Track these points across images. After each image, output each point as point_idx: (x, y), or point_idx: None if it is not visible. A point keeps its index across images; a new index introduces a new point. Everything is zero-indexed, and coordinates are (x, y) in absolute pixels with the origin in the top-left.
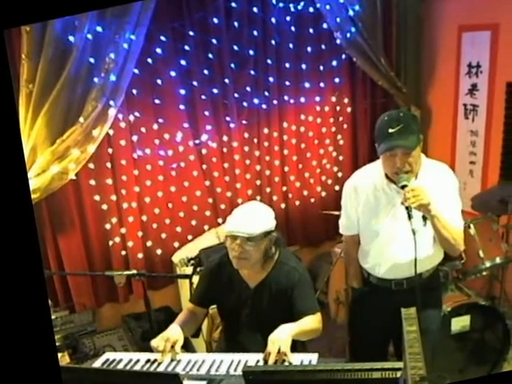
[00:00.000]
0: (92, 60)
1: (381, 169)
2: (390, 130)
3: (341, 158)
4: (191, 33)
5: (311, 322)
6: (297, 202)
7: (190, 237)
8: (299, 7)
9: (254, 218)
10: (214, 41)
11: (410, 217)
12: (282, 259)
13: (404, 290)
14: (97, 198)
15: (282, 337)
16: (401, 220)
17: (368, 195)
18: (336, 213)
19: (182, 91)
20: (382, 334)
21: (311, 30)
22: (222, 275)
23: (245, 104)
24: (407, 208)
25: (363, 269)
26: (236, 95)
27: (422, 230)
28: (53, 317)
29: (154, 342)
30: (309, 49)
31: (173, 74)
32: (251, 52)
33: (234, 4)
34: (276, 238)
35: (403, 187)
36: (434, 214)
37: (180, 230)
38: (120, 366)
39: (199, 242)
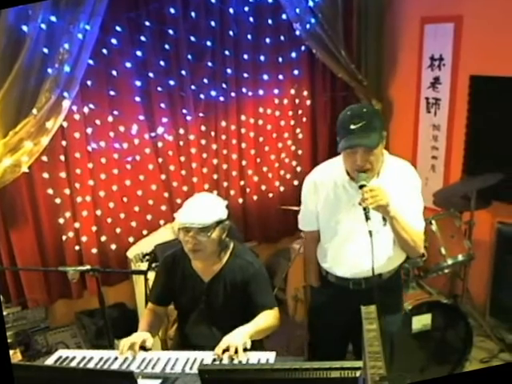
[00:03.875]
0: (46, 50)
1: (342, 165)
2: (352, 127)
3: (300, 152)
4: (147, 23)
5: (268, 319)
6: (255, 197)
7: (145, 232)
8: None
9: (204, 209)
10: (171, 31)
11: (367, 218)
12: (237, 253)
13: (362, 290)
14: (50, 191)
15: (237, 340)
16: (360, 219)
17: (328, 191)
18: (295, 208)
19: (138, 83)
20: (340, 333)
21: (270, 21)
22: (176, 271)
23: (202, 96)
24: (365, 209)
25: (322, 267)
26: (193, 87)
27: (382, 231)
28: (4, 313)
29: (121, 343)
30: (267, 40)
31: (128, 65)
32: (209, 43)
33: None
34: (229, 227)
35: (361, 187)
36: (392, 215)
37: (135, 225)
38: (73, 364)
39: (154, 237)
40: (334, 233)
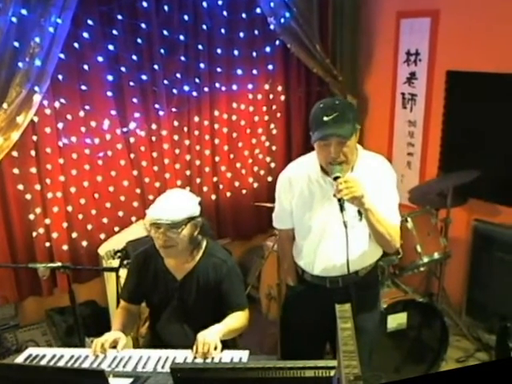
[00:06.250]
0: (16, 44)
1: (316, 160)
2: (325, 118)
3: (274, 147)
4: (119, 17)
5: (238, 320)
6: (228, 194)
7: (116, 228)
8: None
9: (175, 205)
10: (143, 25)
11: (341, 209)
12: (211, 251)
13: (339, 288)
14: (20, 187)
15: (210, 338)
16: (335, 215)
17: (302, 187)
18: (268, 205)
19: (110, 77)
20: (317, 333)
21: (244, 15)
22: (148, 268)
23: (175, 91)
24: (339, 200)
25: (298, 266)
26: (166, 82)
27: (358, 226)
28: None
29: (94, 343)
30: (241, 34)
31: (100, 59)
32: (182, 37)
33: None
34: (202, 224)
35: (336, 179)
36: (367, 207)
37: (106, 222)
38: (43, 362)
39: (126, 233)
40: (309, 230)
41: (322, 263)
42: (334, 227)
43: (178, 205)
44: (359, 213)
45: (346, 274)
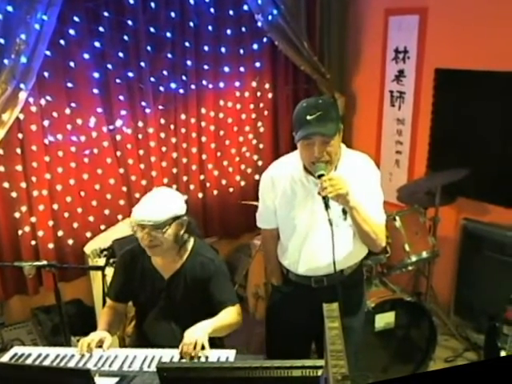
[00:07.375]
0: (2, 41)
1: (299, 159)
2: (308, 117)
3: (261, 146)
4: (106, 13)
5: (229, 316)
6: (215, 192)
7: (102, 227)
8: None
9: (159, 205)
10: (130, 22)
11: (326, 207)
12: (198, 250)
13: (325, 288)
14: (6, 185)
15: (198, 334)
16: (319, 213)
17: (285, 187)
18: (255, 203)
19: (96, 74)
20: (303, 332)
21: (231, 12)
22: (135, 267)
23: (161, 88)
24: (324, 198)
25: (282, 265)
26: (152, 79)
27: (342, 225)
28: None
29: (80, 343)
30: (228, 31)
31: (86, 56)
32: (168, 34)
33: None
34: (188, 223)
35: (320, 176)
36: (352, 205)
37: (92, 220)
38: (29, 361)
39: (112, 232)
40: (293, 229)
41: (306, 263)
42: (318, 227)
43: (161, 205)
44: (344, 212)
45: (331, 274)
